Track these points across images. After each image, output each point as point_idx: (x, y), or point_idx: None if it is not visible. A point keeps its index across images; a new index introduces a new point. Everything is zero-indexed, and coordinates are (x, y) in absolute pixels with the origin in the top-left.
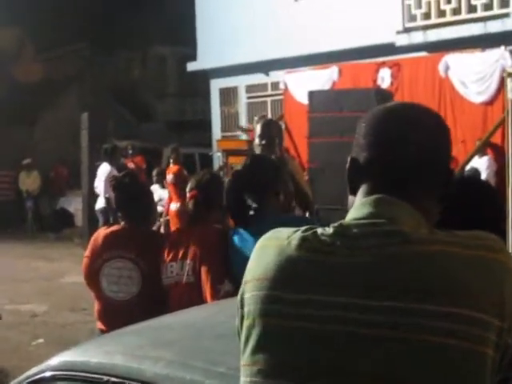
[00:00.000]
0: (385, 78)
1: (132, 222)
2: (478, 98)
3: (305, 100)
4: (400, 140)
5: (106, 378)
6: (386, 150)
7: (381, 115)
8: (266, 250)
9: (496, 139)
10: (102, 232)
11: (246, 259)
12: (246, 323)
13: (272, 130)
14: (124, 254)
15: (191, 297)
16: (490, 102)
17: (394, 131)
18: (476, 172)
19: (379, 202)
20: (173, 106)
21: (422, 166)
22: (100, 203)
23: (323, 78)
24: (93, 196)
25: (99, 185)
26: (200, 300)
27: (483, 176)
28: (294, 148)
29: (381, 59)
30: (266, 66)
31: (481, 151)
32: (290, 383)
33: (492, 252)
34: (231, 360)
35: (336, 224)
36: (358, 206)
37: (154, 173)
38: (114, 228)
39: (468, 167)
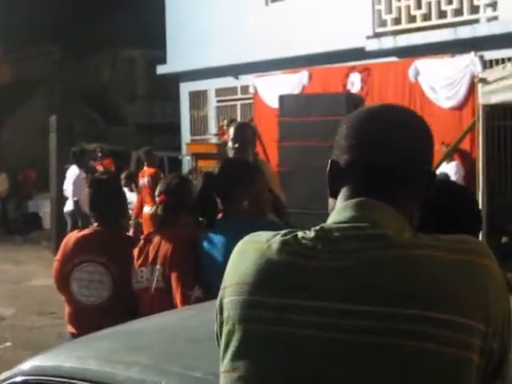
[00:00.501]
0: (355, 83)
1: (105, 223)
2: (448, 104)
3: (275, 104)
4: (382, 142)
5: (79, 383)
6: (367, 152)
7: (363, 117)
8: (245, 254)
9: (464, 145)
10: (73, 235)
11: (215, 264)
12: (225, 329)
13: (245, 134)
14: (95, 258)
15: (162, 302)
16: (459, 108)
17: (376, 133)
18: (447, 177)
19: (361, 205)
20: (142, 109)
21: (404, 168)
22: (68, 206)
23: (293, 82)
24: (62, 199)
25: (68, 188)
26: (171, 306)
27: None
28: (263, 152)
29: (351, 64)
30: (235, 70)
31: (449, 157)
32: None
33: (477, 256)
34: (207, 364)
35: (317, 227)
36: (340, 210)
37: (123, 176)
38: (86, 231)
39: (437, 172)
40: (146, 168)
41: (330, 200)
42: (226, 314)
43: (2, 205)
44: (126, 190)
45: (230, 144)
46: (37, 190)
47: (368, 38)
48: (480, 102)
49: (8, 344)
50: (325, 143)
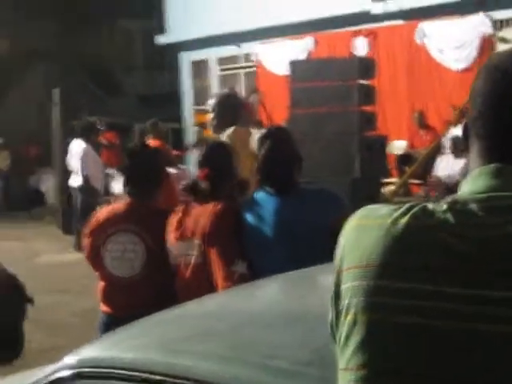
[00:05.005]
0: (361, 47)
1: (140, 196)
2: (457, 65)
3: (279, 71)
4: None
5: (143, 375)
6: (505, 105)
7: (504, 60)
8: (366, 232)
9: None
10: (105, 209)
11: (261, 238)
12: (345, 319)
13: (225, 109)
14: (128, 228)
15: (200, 279)
16: (469, 69)
17: None
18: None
19: (500, 171)
20: (141, 80)
21: None
22: (77, 181)
23: (298, 48)
24: (66, 173)
25: (74, 162)
26: (209, 282)
27: None
28: (269, 120)
29: (356, 28)
30: (237, 38)
31: (458, 121)
32: None
33: None
34: (289, 353)
35: (449, 199)
36: (474, 178)
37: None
38: (118, 204)
39: (450, 136)
40: (151, 140)
41: (460, 168)
42: (345, 302)
43: (5, 181)
44: None
45: (210, 118)
46: (38, 166)
47: (373, 0)
48: None
49: None
50: (337, 109)
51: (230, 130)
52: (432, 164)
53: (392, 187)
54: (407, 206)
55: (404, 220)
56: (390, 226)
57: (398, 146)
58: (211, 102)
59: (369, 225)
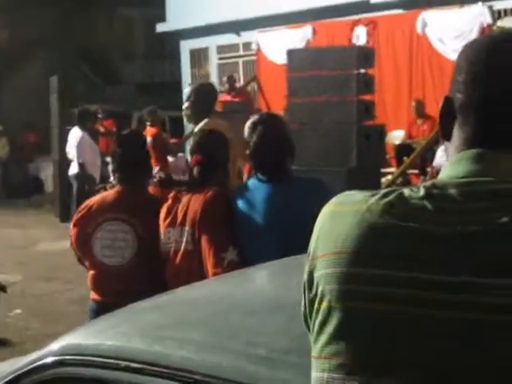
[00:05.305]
0: (360, 36)
1: (130, 183)
2: (456, 56)
3: (278, 60)
4: (509, 74)
5: (123, 363)
6: (490, 89)
7: (488, 44)
8: (340, 218)
9: None
10: (94, 197)
11: (252, 224)
12: (320, 307)
13: (198, 96)
14: (118, 216)
15: (190, 266)
16: None
17: (502, 63)
18: None
19: (482, 156)
20: (141, 69)
21: None
22: (73, 169)
23: (297, 37)
24: (65, 161)
25: (71, 150)
26: (200, 269)
27: None
28: (267, 109)
29: (356, 17)
30: (237, 26)
31: None
32: (386, 380)
33: None
34: (270, 340)
35: (427, 183)
36: (454, 162)
37: None
38: (108, 192)
39: None
40: (148, 128)
41: (446, 144)
42: (319, 290)
43: (3, 169)
44: None
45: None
46: (37, 153)
47: None
48: None
49: (18, 311)
50: (335, 98)
51: (201, 124)
52: (431, 154)
53: (390, 177)
54: (383, 192)
55: (379, 206)
56: (365, 212)
57: (396, 136)
58: (186, 90)
59: (344, 211)
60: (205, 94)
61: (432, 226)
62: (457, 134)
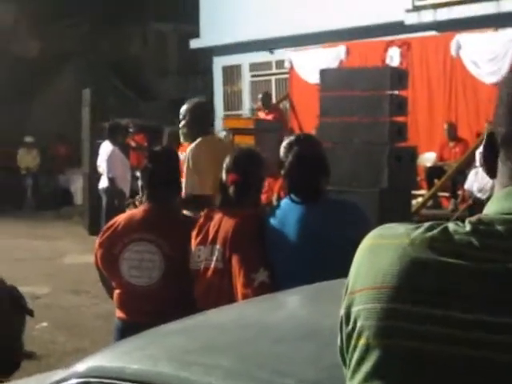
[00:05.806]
0: (394, 57)
1: (159, 201)
2: (491, 79)
3: (311, 79)
4: None
5: None
6: None
7: None
8: (381, 252)
9: None
10: (122, 216)
11: (285, 245)
12: (358, 343)
13: (193, 115)
14: (145, 237)
15: (220, 285)
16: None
17: None
18: None
19: None
20: (174, 84)
21: None
22: (103, 183)
23: (330, 57)
24: (95, 175)
25: (102, 164)
26: (229, 288)
27: None
28: (299, 127)
29: (390, 38)
30: (270, 44)
31: None
32: None
33: None
34: (299, 370)
35: (473, 219)
36: (501, 197)
37: None
38: (136, 211)
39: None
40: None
41: (492, 182)
42: (357, 325)
43: (34, 180)
44: None
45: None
46: (68, 166)
47: (407, 11)
48: None
49: (44, 324)
50: (367, 119)
51: (193, 144)
52: (462, 177)
53: (420, 199)
54: (427, 225)
55: (423, 241)
56: (408, 246)
57: (428, 158)
58: (183, 109)
59: (385, 244)
60: (200, 112)
61: (477, 263)
62: (502, 168)
